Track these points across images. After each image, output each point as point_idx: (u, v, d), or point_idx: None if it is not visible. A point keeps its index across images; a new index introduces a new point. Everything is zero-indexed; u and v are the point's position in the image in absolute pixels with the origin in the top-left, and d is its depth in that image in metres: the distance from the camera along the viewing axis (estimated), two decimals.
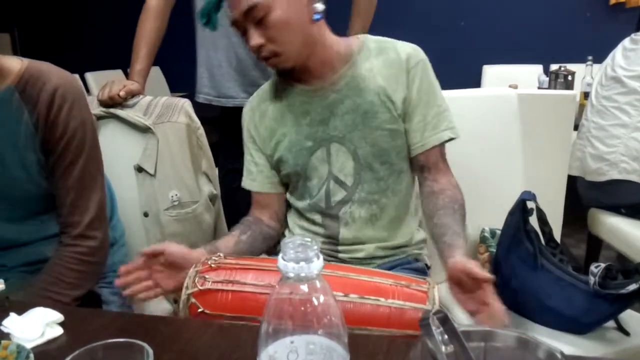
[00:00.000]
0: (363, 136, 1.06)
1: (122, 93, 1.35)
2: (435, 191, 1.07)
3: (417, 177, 1.15)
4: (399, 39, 1.12)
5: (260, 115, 1.15)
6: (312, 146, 1.09)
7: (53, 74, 1.03)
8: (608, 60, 2.00)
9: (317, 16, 1.02)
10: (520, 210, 1.17)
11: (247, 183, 1.20)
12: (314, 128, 1.09)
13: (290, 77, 1.11)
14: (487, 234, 1.37)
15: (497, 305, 0.83)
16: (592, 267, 1.10)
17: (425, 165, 1.09)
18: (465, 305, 0.88)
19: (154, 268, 0.96)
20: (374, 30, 1.60)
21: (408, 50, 1.08)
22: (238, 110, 1.28)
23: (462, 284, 0.86)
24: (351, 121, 1.06)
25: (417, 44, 1.11)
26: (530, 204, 1.18)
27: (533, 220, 1.20)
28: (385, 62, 1.07)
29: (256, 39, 0.99)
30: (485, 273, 0.84)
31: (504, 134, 1.46)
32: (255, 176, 1.17)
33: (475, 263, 0.86)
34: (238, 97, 1.61)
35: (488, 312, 0.83)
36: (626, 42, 1.96)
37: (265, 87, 1.19)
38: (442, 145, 1.09)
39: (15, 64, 1.02)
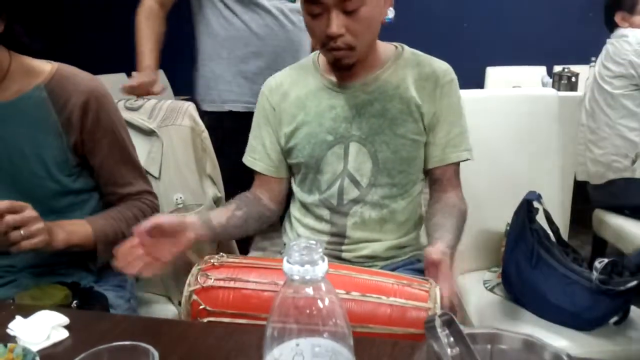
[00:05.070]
0: (386, 141, 1.06)
1: (157, 89, 1.41)
2: (441, 199, 1.09)
3: (428, 187, 1.15)
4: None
5: (281, 96, 1.13)
6: (332, 141, 1.08)
7: (82, 78, 1.08)
8: (598, 61, 2.03)
9: (388, 18, 1.02)
10: (525, 210, 1.18)
11: (249, 160, 1.17)
12: (337, 124, 1.08)
13: (325, 69, 1.10)
14: None
15: (443, 289, 0.83)
16: (596, 263, 1.10)
17: (439, 178, 1.11)
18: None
19: (148, 244, 0.87)
20: None
21: (443, 67, 1.10)
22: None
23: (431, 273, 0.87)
24: (377, 125, 1.06)
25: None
26: (536, 204, 1.18)
27: (542, 220, 1.21)
28: (420, 74, 1.08)
29: (339, 27, 0.97)
30: (435, 255, 0.85)
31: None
32: (260, 157, 1.15)
33: (439, 250, 0.87)
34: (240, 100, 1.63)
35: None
36: (609, 41, 1.99)
37: (290, 70, 1.17)
38: (458, 163, 1.11)
39: (46, 66, 1.08)
